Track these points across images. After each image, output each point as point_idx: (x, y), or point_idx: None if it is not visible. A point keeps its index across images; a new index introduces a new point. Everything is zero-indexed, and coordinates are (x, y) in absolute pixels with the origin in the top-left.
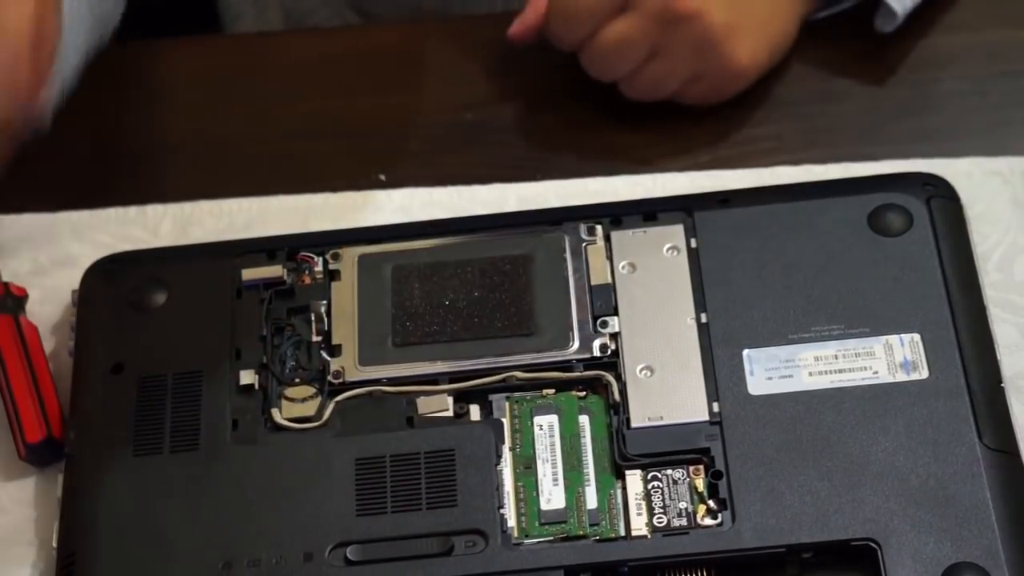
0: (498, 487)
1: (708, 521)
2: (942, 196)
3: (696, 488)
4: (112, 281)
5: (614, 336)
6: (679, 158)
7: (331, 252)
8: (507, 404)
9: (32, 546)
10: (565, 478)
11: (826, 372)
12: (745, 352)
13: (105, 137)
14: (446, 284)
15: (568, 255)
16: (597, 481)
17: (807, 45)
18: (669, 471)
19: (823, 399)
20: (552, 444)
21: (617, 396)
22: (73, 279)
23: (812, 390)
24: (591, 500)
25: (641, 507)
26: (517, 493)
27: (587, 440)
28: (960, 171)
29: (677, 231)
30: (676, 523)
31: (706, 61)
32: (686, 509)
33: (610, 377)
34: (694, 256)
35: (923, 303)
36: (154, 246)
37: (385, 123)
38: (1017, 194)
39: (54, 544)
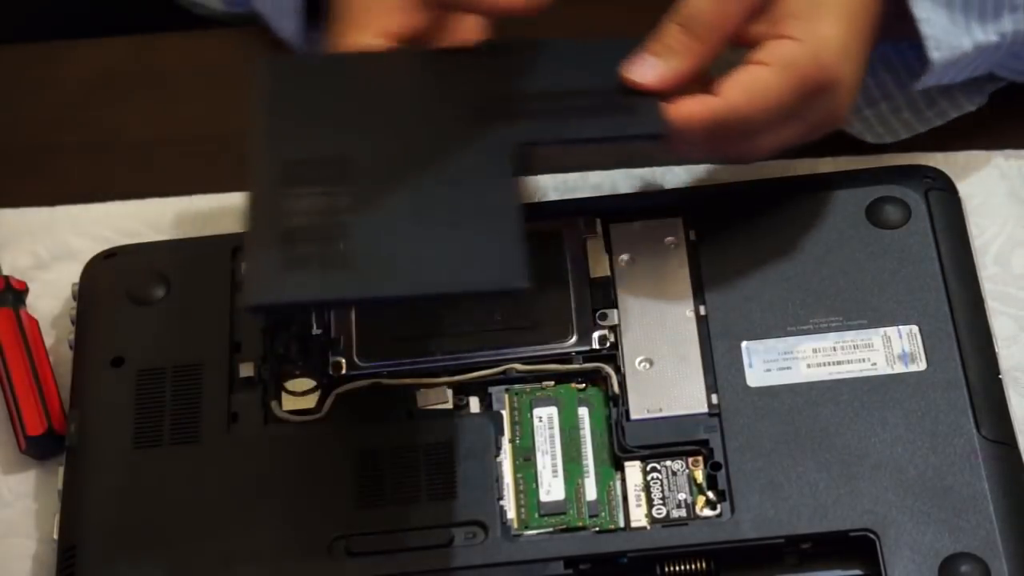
0: (497, 479)
1: (707, 512)
2: (940, 189)
3: (695, 479)
4: (112, 275)
5: (613, 328)
6: None
7: None
8: (506, 396)
9: (32, 539)
10: (564, 470)
11: (824, 364)
12: (744, 344)
13: (105, 131)
14: None
15: (567, 248)
16: (596, 473)
17: None
18: (668, 463)
19: (822, 391)
20: (551, 436)
21: (616, 388)
22: (73, 273)
23: (810, 382)
24: (590, 491)
25: (640, 498)
26: (516, 485)
27: (586, 432)
28: (958, 164)
29: (676, 224)
30: (675, 514)
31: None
32: (685, 500)
33: (609, 369)
34: (693, 249)
35: (921, 295)
36: (154, 240)
37: None
38: (1015, 187)
39: (55, 536)
